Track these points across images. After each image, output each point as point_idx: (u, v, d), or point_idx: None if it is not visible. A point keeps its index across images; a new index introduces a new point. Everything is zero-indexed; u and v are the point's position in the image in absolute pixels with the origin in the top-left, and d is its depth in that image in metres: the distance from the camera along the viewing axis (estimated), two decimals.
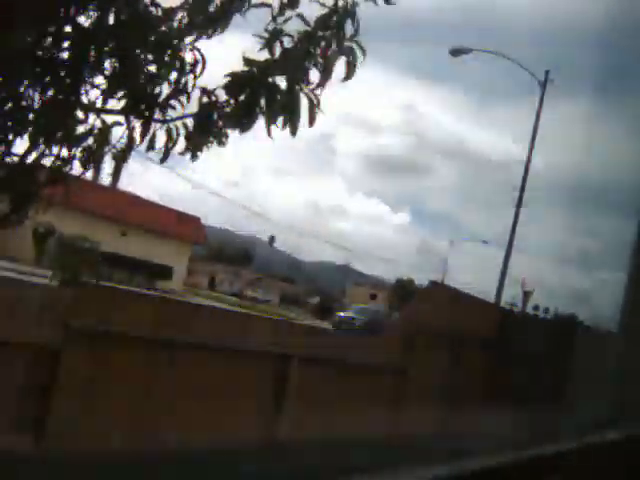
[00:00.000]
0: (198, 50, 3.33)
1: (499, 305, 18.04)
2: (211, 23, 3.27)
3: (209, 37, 3.30)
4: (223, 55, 4.25)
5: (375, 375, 10.47)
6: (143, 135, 3.28)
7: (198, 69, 3.34)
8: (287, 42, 3.32)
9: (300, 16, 3.31)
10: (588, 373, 15.90)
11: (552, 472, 3.40)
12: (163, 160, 3.35)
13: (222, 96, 3.35)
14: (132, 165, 3.49)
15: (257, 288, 65.42)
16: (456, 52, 20.74)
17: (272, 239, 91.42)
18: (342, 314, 35.05)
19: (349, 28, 3.35)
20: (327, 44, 3.33)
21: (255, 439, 8.20)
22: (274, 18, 3.31)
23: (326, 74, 3.32)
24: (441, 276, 52.83)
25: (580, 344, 15.92)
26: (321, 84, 3.34)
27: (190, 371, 7.64)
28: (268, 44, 3.30)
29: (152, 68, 3.27)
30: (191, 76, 3.35)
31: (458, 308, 12.28)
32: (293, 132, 3.32)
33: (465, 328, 12.26)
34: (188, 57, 3.34)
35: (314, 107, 3.31)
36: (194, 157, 3.35)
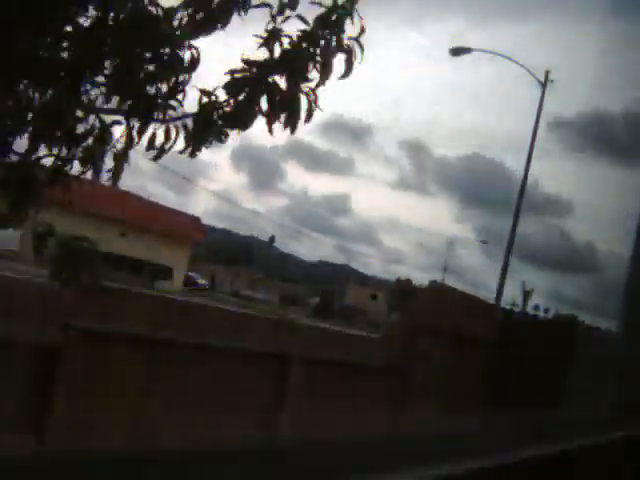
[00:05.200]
0: (196, 49, 3.35)
1: (499, 305, 18.03)
2: (210, 21, 3.28)
3: (207, 34, 3.31)
4: (223, 55, 4.25)
5: (375, 375, 10.47)
6: (141, 134, 3.29)
7: (195, 67, 3.36)
8: (286, 42, 3.33)
9: (299, 16, 3.33)
10: (588, 373, 15.92)
11: (552, 472, 3.40)
12: (156, 158, 3.38)
13: (222, 96, 3.36)
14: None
15: (257, 288, 65.43)
16: (456, 52, 20.74)
17: (272, 239, 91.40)
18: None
19: (348, 26, 3.38)
20: (326, 43, 3.34)
21: (255, 439, 8.19)
22: (273, 18, 3.32)
23: (325, 72, 3.35)
24: (441, 276, 52.88)
25: (580, 344, 15.93)
26: (321, 82, 3.37)
27: (190, 371, 7.64)
28: (267, 44, 3.32)
29: (151, 67, 3.29)
30: (188, 75, 3.37)
31: (458, 308, 12.28)
32: (292, 130, 3.37)
33: (465, 328, 12.26)
34: (186, 55, 3.36)
35: (312, 105, 3.34)
36: (193, 155, 3.38)
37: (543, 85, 20.37)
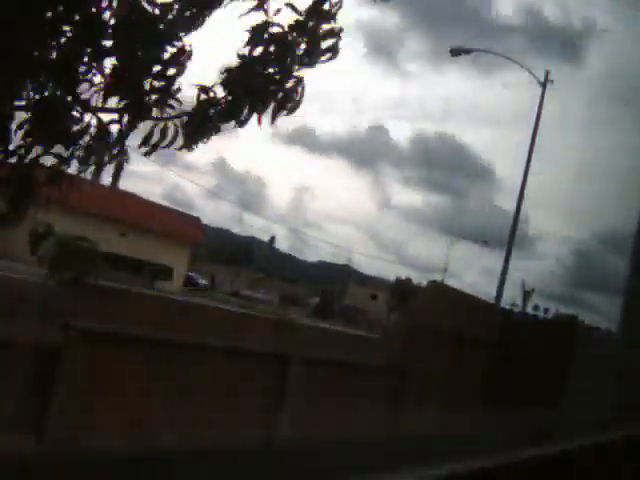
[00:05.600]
0: (189, 45, 3.37)
1: (499, 305, 18.03)
2: (199, 14, 3.30)
3: (197, 27, 3.33)
4: (220, 51, 4.27)
5: (375, 375, 10.47)
6: (131, 128, 3.30)
7: (188, 63, 3.37)
8: (277, 33, 3.37)
9: (291, 5, 3.36)
10: (588, 373, 15.92)
11: (552, 472, 3.40)
12: (148, 154, 3.39)
13: (219, 92, 3.38)
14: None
15: (257, 288, 65.45)
16: (456, 52, 20.73)
17: (272, 239, 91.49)
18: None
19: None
20: (316, 28, 3.40)
21: (255, 439, 8.19)
22: (265, 12, 3.35)
23: (313, 59, 3.40)
24: (441, 276, 52.93)
25: (580, 344, 15.93)
26: (309, 66, 3.43)
27: (190, 371, 7.64)
28: (259, 36, 3.35)
29: (148, 66, 3.29)
30: (180, 68, 3.38)
31: (458, 308, 12.28)
32: (273, 119, 3.44)
33: (465, 328, 12.26)
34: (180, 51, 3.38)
35: (299, 96, 3.41)
36: (189, 150, 3.40)
37: (543, 85, 20.36)
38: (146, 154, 3.39)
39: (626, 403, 14.43)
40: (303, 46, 3.41)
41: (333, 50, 3.42)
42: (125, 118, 3.29)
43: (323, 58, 3.45)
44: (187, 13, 3.29)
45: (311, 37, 3.37)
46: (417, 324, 11.36)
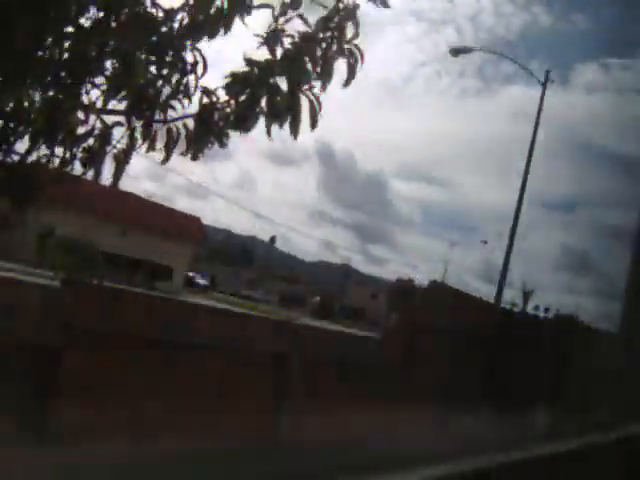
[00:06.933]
0: (199, 51, 3.34)
1: (499, 305, 18.04)
2: (213, 24, 3.28)
3: (211, 38, 3.31)
4: (224, 55, 4.26)
5: (375, 375, 10.46)
6: (145, 137, 3.29)
7: (199, 70, 3.35)
8: (288, 43, 3.33)
9: (301, 17, 3.32)
10: (588, 373, 15.94)
11: (552, 472, 3.41)
12: (164, 161, 3.36)
13: (223, 97, 3.36)
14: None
15: (257, 288, 65.46)
16: (456, 52, 20.75)
17: (273, 239, 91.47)
18: None
19: (349, 30, 3.36)
20: (328, 46, 3.34)
21: (255, 439, 8.19)
22: (275, 19, 3.32)
23: (327, 76, 3.33)
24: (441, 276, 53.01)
25: (580, 344, 15.94)
26: (322, 87, 3.35)
27: (190, 371, 7.63)
28: (269, 44, 3.31)
29: (153, 69, 3.29)
30: (192, 77, 3.36)
31: (458, 308, 12.28)
32: (295, 134, 3.34)
33: (465, 328, 12.25)
34: (189, 57, 3.35)
35: (315, 110, 3.32)
36: (195, 158, 3.36)
37: (543, 85, 20.38)
38: (163, 162, 3.38)
39: (626, 403, 14.45)
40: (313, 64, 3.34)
41: (349, 73, 3.34)
42: (133, 122, 3.28)
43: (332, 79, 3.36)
44: (199, 18, 3.27)
45: (323, 53, 3.31)
46: (417, 324, 11.37)
